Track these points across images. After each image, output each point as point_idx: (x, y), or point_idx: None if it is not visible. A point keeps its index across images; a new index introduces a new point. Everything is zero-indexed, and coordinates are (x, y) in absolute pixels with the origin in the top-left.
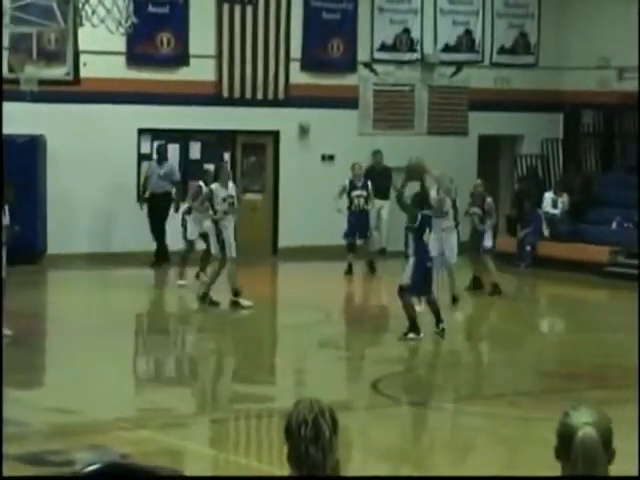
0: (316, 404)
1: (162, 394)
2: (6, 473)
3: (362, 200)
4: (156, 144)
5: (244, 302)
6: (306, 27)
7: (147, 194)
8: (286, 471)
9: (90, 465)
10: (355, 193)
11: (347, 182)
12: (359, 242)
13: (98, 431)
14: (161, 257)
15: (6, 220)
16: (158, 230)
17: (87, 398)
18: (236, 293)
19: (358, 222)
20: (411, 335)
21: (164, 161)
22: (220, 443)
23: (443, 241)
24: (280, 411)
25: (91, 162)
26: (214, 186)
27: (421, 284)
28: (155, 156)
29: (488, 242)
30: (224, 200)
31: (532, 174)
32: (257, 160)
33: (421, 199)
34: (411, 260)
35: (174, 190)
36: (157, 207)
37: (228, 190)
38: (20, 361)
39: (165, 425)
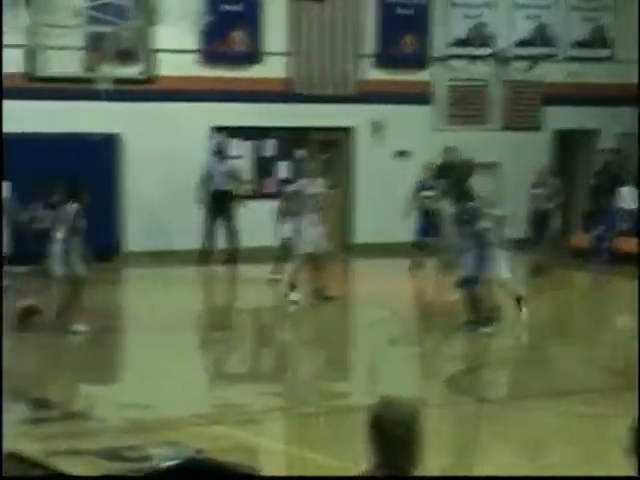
0: (407, 405)
1: (237, 390)
2: (83, 468)
3: (431, 200)
4: (216, 141)
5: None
6: (379, 22)
7: (206, 192)
8: (361, 468)
9: (169, 460)
10: (425, 193)
11: (417, 182)
12: (430, 241)
13: (173, 427)
14: (231, 254)
15: (83, 222)
16: (223, 227)
17: (162, 394)
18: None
19: (428, 221)
20: (485, 329)
21: (224, 158)
22: (295, 439)
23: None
24: (355, 408)
25: (165, 160)
26: (303, 182)
27: (477, 274)
28: (215, 153)
29: (555, 222)
30: (312, 197)
31: (608, 169)
32: (330, 157)
33: (463, 192)
34: (466, 252)
35: (235, 187)
36: (219, 204)
37: (316, 187)
38: (96, 358)
39: (240, 421)
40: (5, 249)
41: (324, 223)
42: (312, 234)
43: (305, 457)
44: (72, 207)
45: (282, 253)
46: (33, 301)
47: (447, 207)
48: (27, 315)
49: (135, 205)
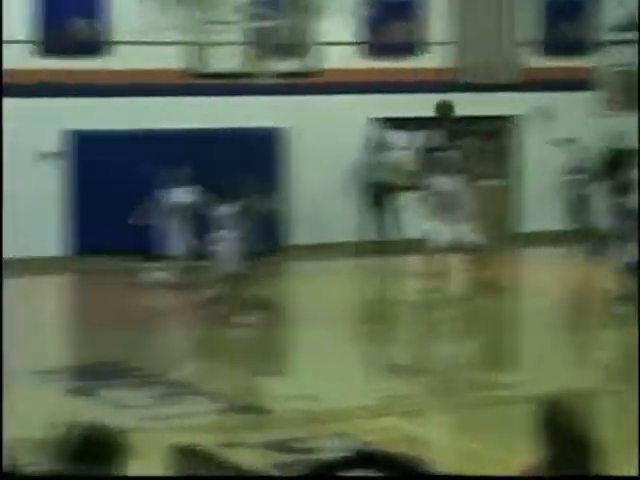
0: (582, 401)
1: (403, 382)
2: (253, 460)
3: (582, 185)
4: (377, 132)
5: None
6: (542, 9)
7: (367, 183)
8: (528, 460)
9: (336, 452)
10: (576, 177)
11: (571, 166)
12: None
13: (340, 419)
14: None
15: (248, 220)
16: (380, 219)
17: (329, 386)
18: None
19: (579, 207)
20: None
21: (386, 150)
22: (461, 431)
23: None
24: (521, 398)
25: (329, 152)
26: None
27: None
28: (376, 144)
29: None
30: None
31: None
32: (495, 146)
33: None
34: (626, 237)
35: (396, 179)
36: (380, 196)
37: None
38: (264, 350)
39: (406, 413)
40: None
41: (480, 215)
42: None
43: (470, 448)
44: (237, 205)
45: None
46: (214, 292)
47: (600, 192)
48: (211, 305)
49: (299, 198)
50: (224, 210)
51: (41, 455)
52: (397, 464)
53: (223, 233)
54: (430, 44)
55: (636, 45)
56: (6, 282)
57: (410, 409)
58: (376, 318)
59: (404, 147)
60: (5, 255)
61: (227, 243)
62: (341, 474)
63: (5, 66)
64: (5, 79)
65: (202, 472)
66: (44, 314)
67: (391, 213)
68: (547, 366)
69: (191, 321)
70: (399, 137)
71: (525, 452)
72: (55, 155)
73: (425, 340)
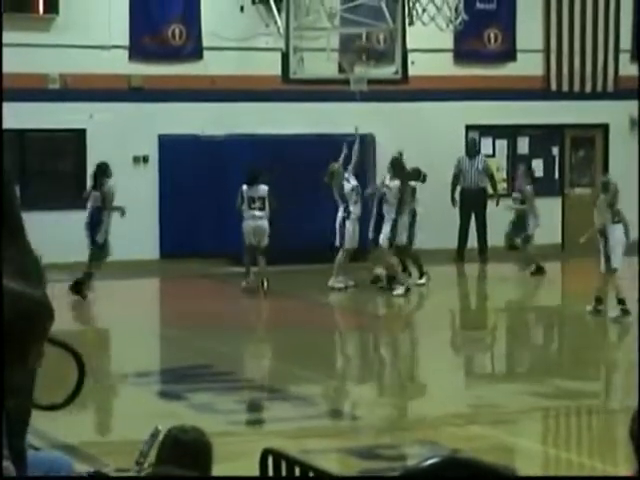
0: None
1: (492, 390)
2: (338, 466)
3: None
4: (469, 138)
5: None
6: (636, 16)
7: (459, 190)
8: (621, 470)
9: (427, 459)
10: None
11: None
12: None
13: (428, 426)
14: (483, 253)
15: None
16: (478, 226)
17: (418, 393)
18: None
19: None
20: None
21: (476, 155)
22: (551, 440)
23: None
24: (614, 408)
25: (418, 159)
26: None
27: None
28: (467, 151)
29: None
30: None
31: None
32: (586, 154)
33: None
34: None
35: (488, 185)
36: (473, 203)
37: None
38: (351, 356)
39: (496, 421)
40: None
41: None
42: None
43: (561, 457)
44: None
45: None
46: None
47: None
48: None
49: None
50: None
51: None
52: (488, 472)
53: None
54: (523, 51)
55: None
56: (97, 285)
57: (502, 417)
58: (470, 325)
59: (493, 154)
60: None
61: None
62: None
63: (100, 71)
64: (100, 84)
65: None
66: (135, 317)
67: (483, 219)
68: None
69: (281, 325)
70: (492, 144)
71: (620, 463)
72: (148, 159)
73: (519, 348)
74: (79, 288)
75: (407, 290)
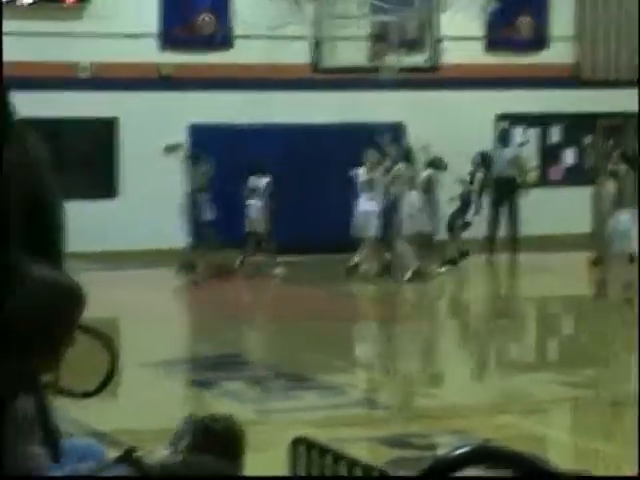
0: None
1: (522, 379)
2: (368, 455)
3: None
4: (500, 127)
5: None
6: None
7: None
8: None
9: (455, 449)
10: None
11: None
12: None
13: (459, 416)
14: (513, 242)
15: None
16: (509, 216)
17: (448, 382)
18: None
19: None
20: None
21: (507, 145)
22: (581, 430)
23: None
24: None
25: (450, 148)
26: None
27: None
28: (498, 140)
29: None
30: None
31: None
32: (618, 143)
33: None
34: None
35: (518, 174)
36: (502, 192)
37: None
38: (381, 346)
39: (526, 411)
40: None
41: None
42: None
43: (590, 448)
44: None
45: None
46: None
47: None
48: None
49: None
50: None
51: (163, 445)
52: (520, 462)
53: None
54: (555, 39)
55: None
56: (126, 274)
57: (532, 407)
58: (500, 314)
59: (524, 143)
60: (132, 247)
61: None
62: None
63: (131, 60)
64: (131, 73)
65: (320, 466)
66: (163, 306)
67: (514, 208)
68: None
69: (309, 315)
70: (523, 133)
71: None
72: (179, 148)
73: (549, 337)
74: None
75: (415, 274)
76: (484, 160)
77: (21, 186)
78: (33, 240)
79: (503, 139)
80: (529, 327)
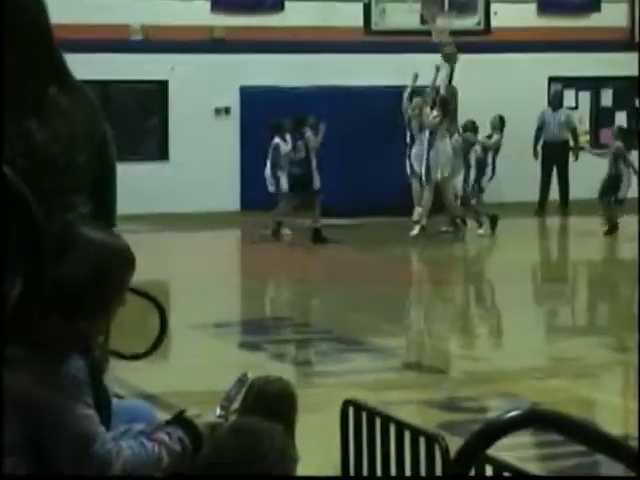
0: None
1: (573, 343)
2: (418, 418)
3: None
4: (552, 90)
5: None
6: None
7: (541, 143)
8: None
9: (509, 412)
10: None
11: None
12: None
13: (509, 379)
14: (564, 206)
15: None
16: (560, 179)
17: (499, 346)
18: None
19: None
20: None
21: (559, 108)
22: (632, 393)
23: None
24: None
25: (502, 111)
26: None
27: None
28: (550, 103)
29: None
30: None
31: None
32: None
33: None
34: None
35: (570, 138)
36: (555, 156)
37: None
38: (433, 309)
39: (576, 375)
40: None
41: None
42: None
43: None
44: None
45: None
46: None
47: None
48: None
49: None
50: None
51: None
52: (569, 425)
53: None
54: (607, 2)
55: None
56: (178, 236)
57: (582, 371)
58: (550, 278)
59: (576, 106)
60: (179, 209)
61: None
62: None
63: (182, 22)
64: (182, 35)
65: (370, 428)
66: (215, 269)
67: (564, 173)
68: None
69: (359, 278)
70: (575, 96)
71: None
72: (230, 111)
73: (600, 301)
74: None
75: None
76: (501, 122)
77: (91, 126)
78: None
79: (556, 102)
80: (579, 291)
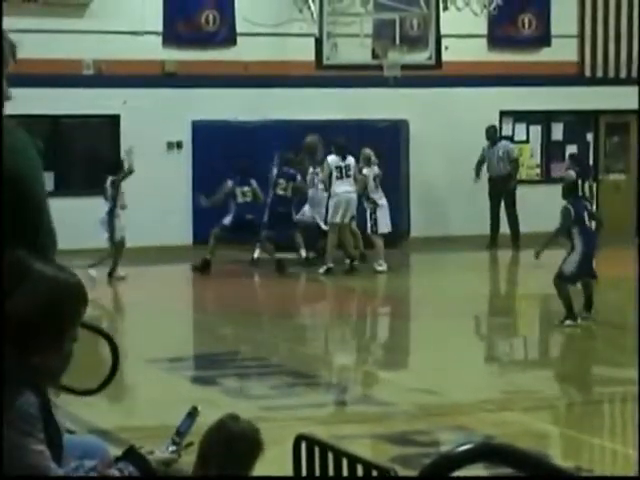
0: None
1: (525, 376)
2: (371, 452)
3: None
4: (488, 126)
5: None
6: None
7: (487, 177)
8: None
9: (458, 446)
10: None
11: None
12: None
13: (461, 412)
14: (515, 239)
15: None
16: (507, 213)
17: (450, 379)
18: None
19: None
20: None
21: (497, 143)
22: (585, 426)
23: None
24: None
25: (452, 145)
26: None
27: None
28: (490, 138)
29: None
30: None
31: None
32: (620, 140)
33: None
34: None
35: (514, 171)
36: (500, 190)
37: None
38: (384, 342)
39: (529, 407)
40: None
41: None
42: None
43: (593, 443)
44: None
45: None
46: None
47: None
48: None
49: (420, 191)
50: None
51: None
52: (523, 458)
53: None
54: (557, 37)
55: None
56: (129, 270)
57: (535, 404)
58: (501, 311)
59: (528, 140)
60: (131, 244)
61: None
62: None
63: (134, 57)
64: (134, 69)
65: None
66: (168, 303)
67: (511, 206)
68: None
69: (311, 311)
70: (523, 130)
71: None
72: (182, 145)
73: (550, 334)
74: None
75: (329, 270)
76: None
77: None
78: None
79: (491, 137)
80: (529, 324)
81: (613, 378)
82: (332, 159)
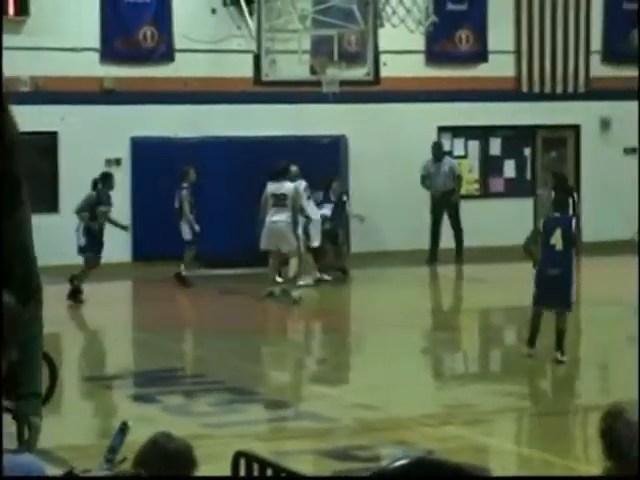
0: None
1: (465, 390)
2: (312, 468)
3: None
4: (433, 142)
5: None
6: (606, 18)
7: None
8: (593, 468)
9: (398, 461)
10: None
11: None
12: None
13: (403, 427)
14: (458, 254)
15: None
16: (452, 228)
17: (391, 394)
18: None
19: None
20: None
21: (441, 159)
22: (525, 439)
23: None
24: (586, 408)
25: (391, 160)
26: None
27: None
28: (432, 153)
29: None
30: None
31: None
32: (558, 155)
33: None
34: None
35: (456, 187)
36: (443, 205)
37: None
38: (328, 358)
39: (470, 421)
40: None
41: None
42: None
43: (534, 457)
44: None
45: None
46: None
47: None
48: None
49: (359, 206)
50: None
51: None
52: (462, 473)
53: None
54: (494, 52)
55: None
56: (68, 288)
57: (476, 418)
58: (442, 326)
59: (466, 155)
60: (68, 261)
61: None
62: None
63: (72, 73)
64: (72, 86)
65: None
66: (107, 320)
67: (455, 221)
68: (615, 377)
69: (252, 328)
70: (461, 145)
71: (593, 462)
72: (121, 162)
73: (491, 349)
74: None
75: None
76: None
77: None
78: None
79: (436, 153)
80: (472, 339)
81: (554, 391)
82: (270, 187)
